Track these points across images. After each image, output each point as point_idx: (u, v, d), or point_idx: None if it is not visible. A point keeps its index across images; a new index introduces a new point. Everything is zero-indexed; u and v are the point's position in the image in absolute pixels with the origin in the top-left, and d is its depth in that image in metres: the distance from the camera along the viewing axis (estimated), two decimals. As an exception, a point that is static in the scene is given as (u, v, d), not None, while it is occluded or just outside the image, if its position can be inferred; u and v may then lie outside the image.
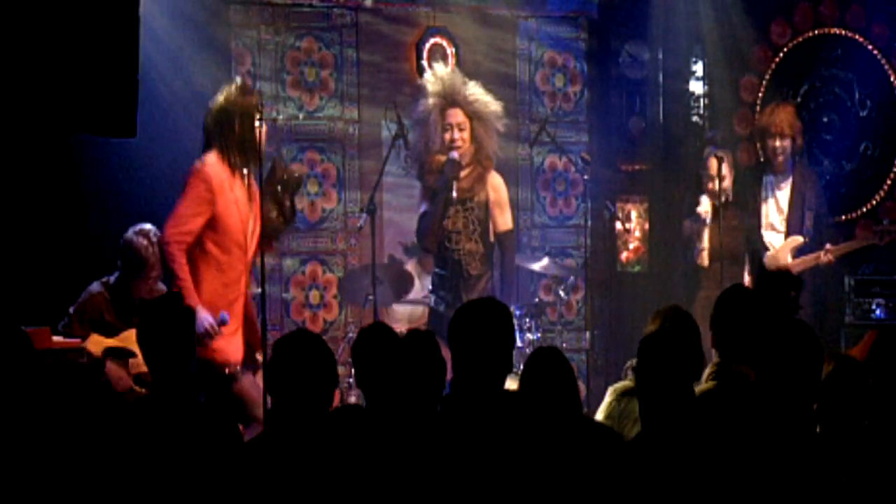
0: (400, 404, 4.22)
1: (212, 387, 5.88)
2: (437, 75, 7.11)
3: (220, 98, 6.14)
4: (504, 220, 7.08)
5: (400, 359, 4.23)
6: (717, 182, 7.50)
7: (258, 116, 6.05)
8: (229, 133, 6.05)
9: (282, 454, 3.95)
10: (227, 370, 6.01)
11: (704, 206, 7.60)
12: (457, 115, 6.94)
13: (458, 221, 6.95)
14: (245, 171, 6.07)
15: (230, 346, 6.04)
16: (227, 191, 6.01)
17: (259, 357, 6.17)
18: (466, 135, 6.95)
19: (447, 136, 6.94)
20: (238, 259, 6.05)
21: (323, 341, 4.14)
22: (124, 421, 4.22)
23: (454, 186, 6.87)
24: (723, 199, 7.55)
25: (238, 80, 6.62)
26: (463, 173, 6.93)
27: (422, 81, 7.22)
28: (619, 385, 4.97)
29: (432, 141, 6.98)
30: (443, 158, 6.92)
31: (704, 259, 7.61)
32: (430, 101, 6.99)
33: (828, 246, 7.48)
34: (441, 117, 6.96)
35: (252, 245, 6.11)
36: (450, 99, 6.97)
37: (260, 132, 6.04)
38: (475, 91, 7.04)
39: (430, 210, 6.96)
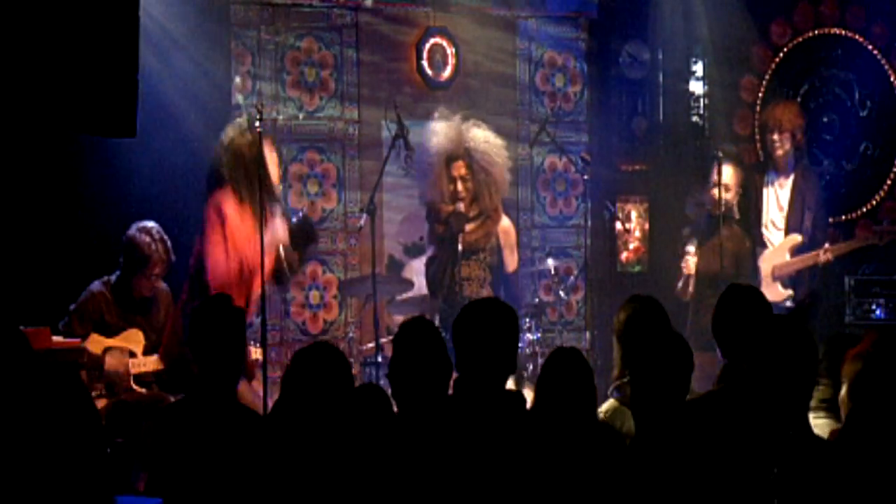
0: (402, 403, 4.23)
1: None
2: (441, 129, 7.17)
3: (229, 135, 6.27)
4: (511, 260, 7.20)
5: (406, 354, 4.25)
6: (722, 196, 7.43)
7: (263, 150, 6.17)
8: (240, 174, 6.18)
9: (294, 457, 3.96)
10: None
11: (689, 266, 7.54)
12: (459, 168, 7.08)
13: (471, 270, 7.06)
14: (255, 203, 6.14)
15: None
16: (240, 225, 6.09)
17: (257, 356, 6.18)
18: (470, 185, 7.07)
19: (451, 187, 7.08)
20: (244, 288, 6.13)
21: (342, 356, 4.16)
22: (167, 420, 4.25)
23: (460, 239, 6.99)
24: (723, 208, 7.44)
25: (241, 120, 6.61)
26: (470, 227, 7.05)
27: (429, 131, 7.24)
28: (607, 406, 4.95)
29: (439, 189, 7.10)
30: (450, 208, 7.04)
31: (689, 288, 7.57)
32: (435, 152, 7.10)
33: (826, 245, 7.48)
34: (446, 168, 7.07)
35: (257, 278, 6.12)
36: (454, 152, 7.08)
37: (270, 156, 6.27)
38: (481, 143, 7.09)
39: (438, 258, 7.08)
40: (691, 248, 7.55)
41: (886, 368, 4.16)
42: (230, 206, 6.19)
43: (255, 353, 6.35)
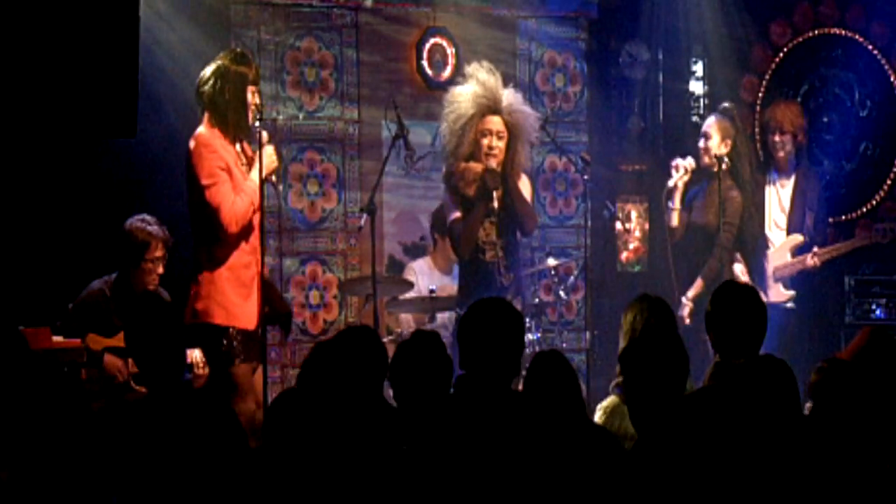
0: (404, 403, 4.23)
1: (213, 357, 6.00)
2: (481, 80, 6.96)
3: (214, 63, 6.15)
4: (531, 221, 7.12)
5: (406, 359, 4.25)
6: (700, 146, 7.41)
7: (250, 84, 6.08)
8: (220, 99, 6.05)
9: (284, 450, 3.96)
10: (224, 342, 5.99)
11: (676, 177, 7.49)
12: (497, 123, 6.87)
13: (492, 232, 6.92)
14: (239, 138, 6.10)
15: (243, 312, 6.02)
16: (225, 154, 6.03)
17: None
18: (503, 144, 6.87)
19: (485, 141, 6.85)
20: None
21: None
22: (125, 421, 4.24)
23: (495, 197, 6.80)
24: (716, 161, 7.35)
25: (237, 48, 6.67)
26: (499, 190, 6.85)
27: (462, 82, 7.12)
28: (608, 403, 4.95)
29: (463, 146, 6.90)
30: (477, 167, 6.84)
31: (674, 219, 7.50)
32: (470, 104, 6.90)
33: (815, 249, 7.47)
34: (479, 122, 6.88)
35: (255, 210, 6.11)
36: (492, 106, 6.90)
37: (252, 101, 6.07)
38: (515, 100, 7.00)
39: (468, 219, 6.87)
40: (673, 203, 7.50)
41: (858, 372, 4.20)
42: (208, 136, 6.05)
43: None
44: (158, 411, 4.19)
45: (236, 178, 6.03)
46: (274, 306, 6.22)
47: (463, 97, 6.96)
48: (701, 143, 7.47)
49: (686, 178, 7.44)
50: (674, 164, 7.50)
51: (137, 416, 4.24)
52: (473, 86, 6.97)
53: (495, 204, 6.82)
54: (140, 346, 4.35)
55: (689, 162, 7.46)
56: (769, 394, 4.03)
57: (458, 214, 6.94)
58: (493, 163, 6.83)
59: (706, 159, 7.42)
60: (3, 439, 3.94)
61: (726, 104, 7.81)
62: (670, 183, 7.46)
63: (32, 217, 7.03)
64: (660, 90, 9.13)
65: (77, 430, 3.87)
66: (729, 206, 7.37)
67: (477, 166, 6.85)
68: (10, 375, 4.14)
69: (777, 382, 4.07)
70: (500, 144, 6.87)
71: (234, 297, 6.00)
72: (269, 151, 6.10)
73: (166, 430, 4.12)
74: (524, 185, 7.01)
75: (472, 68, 7.13)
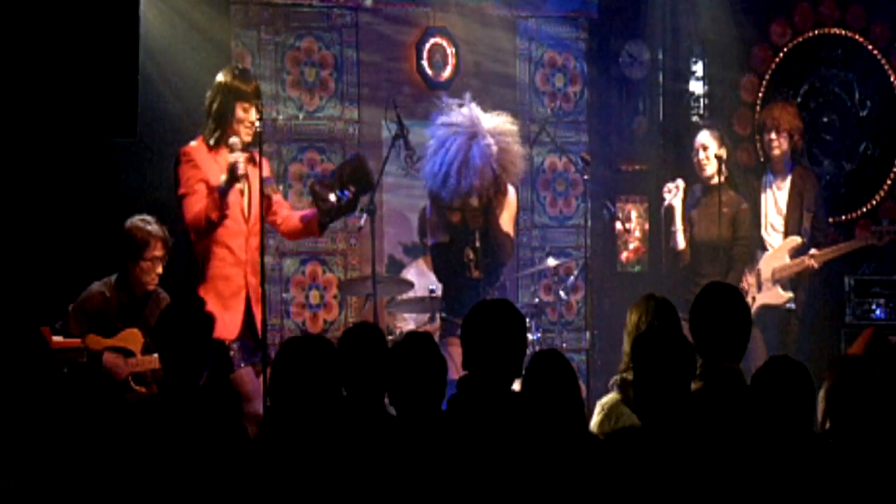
0: (403, 405, 4.23)
1: (215, 366, 5.97)
2: (466, 116, 7.02)
3: (216, 78, 6.27)
4: (510, 226, 7.10)
5: (399, 360, 4.25)
6: (701, 158, 7.42)
7: (242, 99, 6.14)
8: (208, 111, 6.21)
9: (285, 454, 3.96)
10: (230, 353, 6.00)
11: (670, 198, 7.50)
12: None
13: (472, 255, 6.94)
14: (228, 148, 6.16)
15: (224, 322, 5.95)
16: (206, 166, 6.08)
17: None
18: (487, 175, 6.90)
19: (466, 181, 6.90)
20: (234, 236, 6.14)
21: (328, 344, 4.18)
22: (132, 420, 4.26)
23: (477, 237, 6.89)
24: (714, 180, 7.36)
25: (238, 65, 6.77)
26: (480, 219, 6.92)
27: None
28: (607, 400, 4.95)
29: (453, 177, 6.91)
30: (459, 202, 6.91)
31: (681, 242, 7.50)
32: (457, 138, 6.95)
33: (812, 251, 7.47)
34: (464, 154, 6.91)
35: (252, 223, 6.14)
36: (470, 147, 6.93)
37: (243, 116, 6.15)
38: (500, 138, 6.99)
39: (452, 244, 6.95)
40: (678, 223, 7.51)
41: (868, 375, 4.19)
42: (201, 154, 6.17)
43: None
44: (169, 413, 4.23)
45: (210, 180, 6.10)
46: None
47: (446, 131, 7.01)
48: (702, 156, 7.43)
49: (681, 196, 7.46)
50: (666, 188, 7.52)
51: (146, 415, 4.27)
52: (456, 119, 7.01)
53: (477, 244, 6.89)
54: (167, 347, 4.40)
55: (680, 182, 7.50)
56: (784, 397, 4.02)
57: (441, 239, 7.03)
58: (475, 201, 6.89)
59: (707, 171, 7.41)
60: (22, 439, 3.96)
61: (707, 126, 7.82)
62: (667, 204, 7.47)
63: (32, 217, 7.03)
64: (660, 90, 9.14)
65: (93, 426, 3.89)
66: (743, 221, 7.44)
67: (459, 200, 6.91)
68: (32, 374, 4.16)
69: (794, 385, 4.05)
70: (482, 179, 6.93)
71: (210, 307, 6.00)
72: (236, 157, 6.11)
73: (174, 431, 4.15)
74: (509, 203, 7.02)
75: (459, 102, 7.14)
